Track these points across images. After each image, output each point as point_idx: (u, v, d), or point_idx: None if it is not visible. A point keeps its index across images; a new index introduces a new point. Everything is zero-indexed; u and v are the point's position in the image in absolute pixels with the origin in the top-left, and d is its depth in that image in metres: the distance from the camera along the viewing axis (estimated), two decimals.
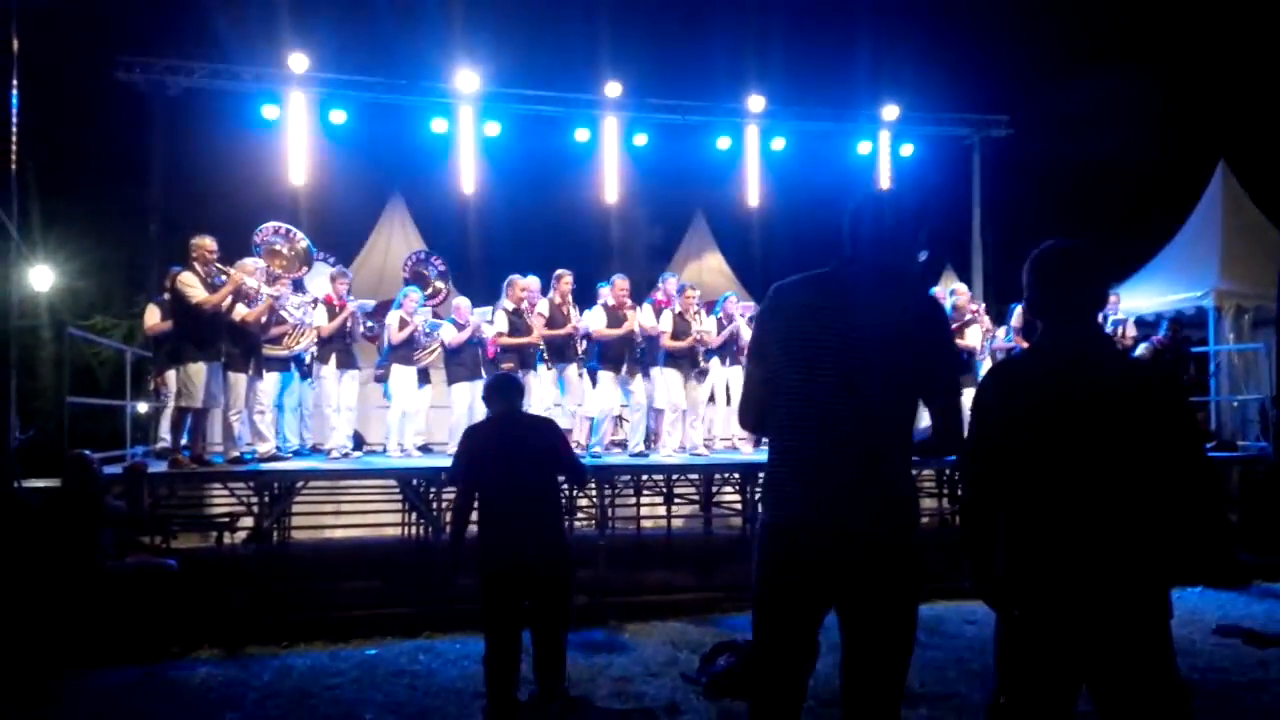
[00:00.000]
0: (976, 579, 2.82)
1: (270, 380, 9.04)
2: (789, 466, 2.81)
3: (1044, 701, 2.66)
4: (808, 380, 2.75)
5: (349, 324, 9.50)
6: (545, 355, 9.59)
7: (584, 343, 9.85)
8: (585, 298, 10.32)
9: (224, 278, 7.89)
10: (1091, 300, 2.82)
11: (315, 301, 9.51)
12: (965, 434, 2.88)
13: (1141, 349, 10.49)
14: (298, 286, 9.64)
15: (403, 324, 9.71)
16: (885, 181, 15.00)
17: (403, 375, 9.75)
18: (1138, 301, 13.10)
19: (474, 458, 4.97)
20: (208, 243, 7.92)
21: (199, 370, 7.68)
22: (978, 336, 10.55)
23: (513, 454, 4.90)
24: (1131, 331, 11.21)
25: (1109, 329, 11.04)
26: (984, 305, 11.86)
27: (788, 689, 2.84)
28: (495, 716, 4.78)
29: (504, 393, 5.13)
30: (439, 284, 11.97)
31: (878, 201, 2.94)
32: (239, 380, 8.30)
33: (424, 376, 10.27)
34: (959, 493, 2.74)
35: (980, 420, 2.82)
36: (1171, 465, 2.64)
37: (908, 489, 2.79)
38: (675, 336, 9.83)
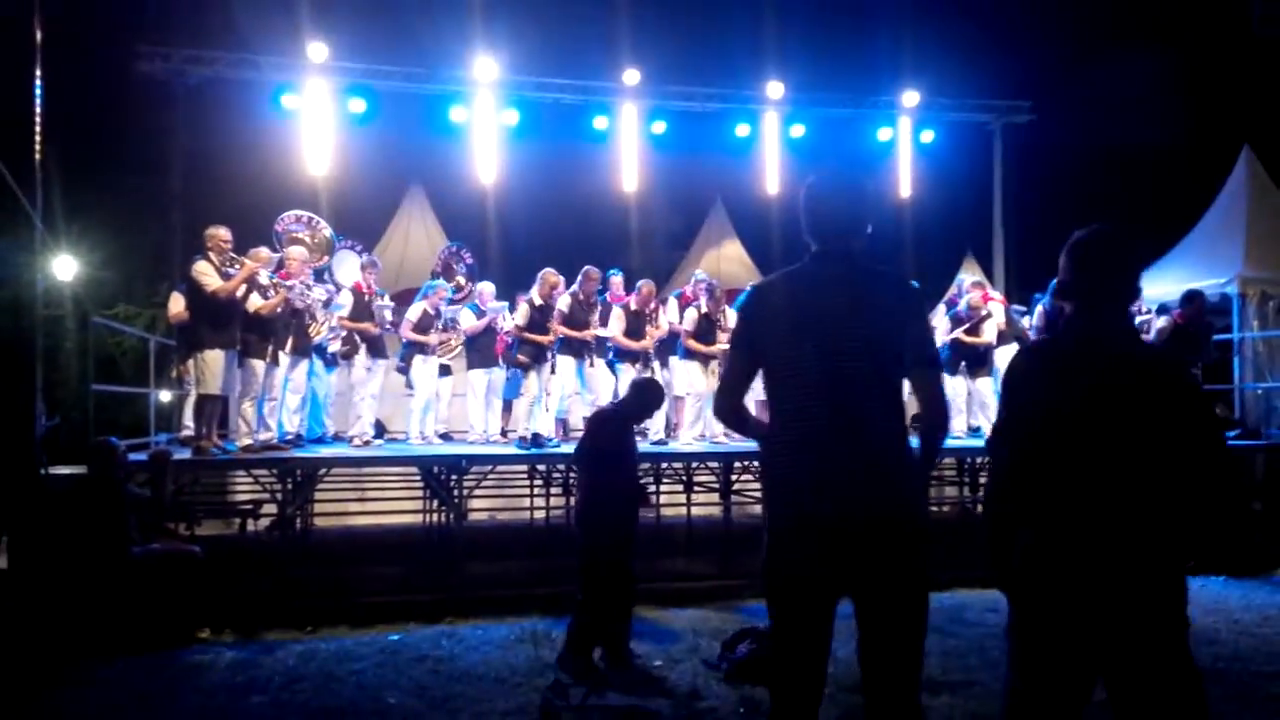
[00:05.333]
0: (996, 565, 2.81)
1: (297, 368, 9.07)
2: (784, 458, 2.89)
3: (1058, 691, 2.65)
4: (793, 374, 2.84)
5: (376, 320, 9.59)
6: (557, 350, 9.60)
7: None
8: (604, 280, 10.36)
9: (237, 267, 7.94)
10: (1127, 287, 2.80)
11: (339, 289, 9.57)
12: (948, 417, 2.97)
13: (1161, 322, 10.34)
14: (319, 275, 9.69)
15: (424, 317, 9.75)
16: (900, 168, 14.93)
17: (423, 366, 9.79)
18: (1161, 288, 12.96)
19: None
20: (222, 233, 7.98)
21: (215, 357, 7.75)
22: (993, 332, 10.49)
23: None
24: (1160, 322, 11.08)
25: (1136, 321, 10.95)
26: (1004, 294, 11.78)
27: (808, 677, 2.87)
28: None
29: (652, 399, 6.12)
30: (461, 279, 12.02)
31: (825, 188, 2.99)
32: (258, 367, 8.33)
33: (445, 367, 10.34)
34: (983, 479, 2.76)
35: (1010, 403, 2.81)
36: (1194, 455, 2.63)
37: (904, 468, 2.82)
38: (698, 337, 9.84)
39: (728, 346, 9.98)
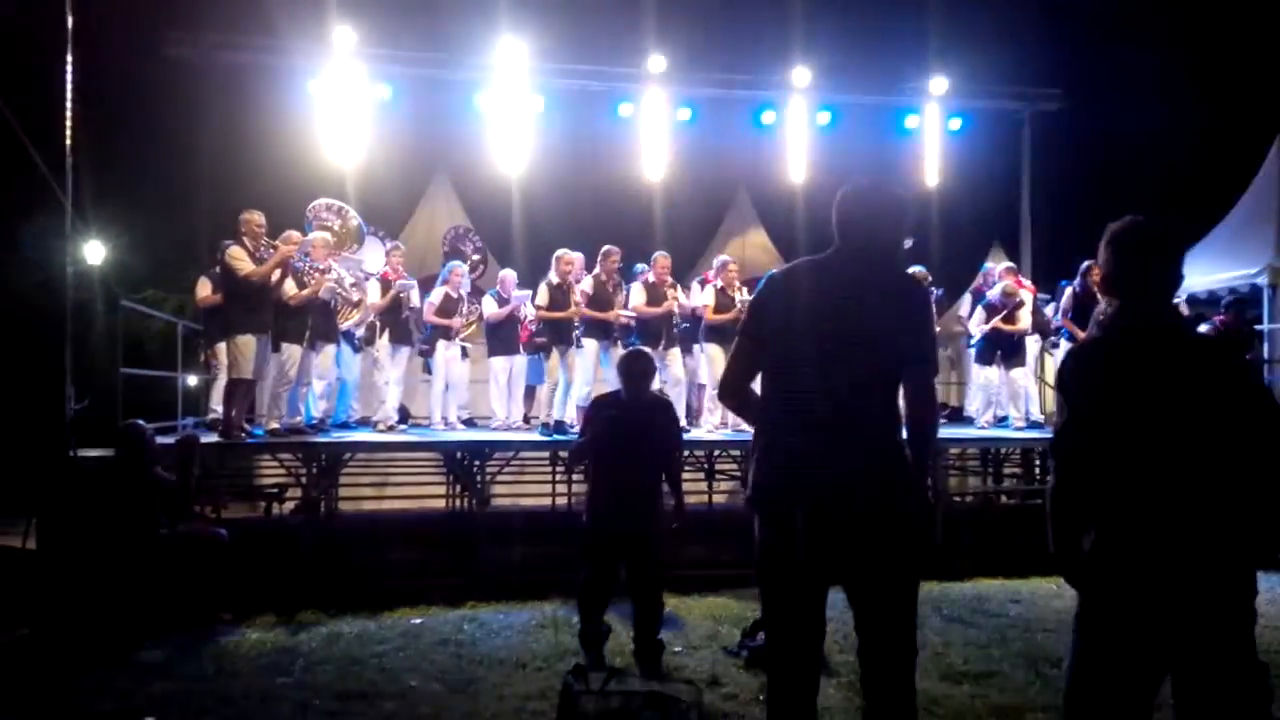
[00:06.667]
0: (1064, 559, 2.79)
1: (323, 353, 9.13)
2: (776, 442, 2.95)
3: (1126, 685, 2.63)
4: (795, 359, 2.92)
5: (401, 296, 9.62)
6: (581, 333, 9.60)
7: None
8: (627, 274, 10.34)
9: (271, 251, 7.99)
10: (1174, 279, 2.78)
11: (368, 276, 9.61)
12: (935, 413, 3.04)
13: (1202, 329, 10.24)
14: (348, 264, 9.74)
15: (446, 300, 9.79)
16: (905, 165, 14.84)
17: (445, 351, 9.83)
18: (1191, 279, 12.63)
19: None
20: (256, 217, 8.02)
21: (248, 342, 7.80)
22: (1028, 319, 10.42)
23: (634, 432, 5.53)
24: (1184, 310, 10.97)
25: None
26: (1031, 283, 11.69)
27: (803, 661, 2.95)
28: (587, 638, 5.62)
29: (633, 374, 5.65)
30: (475, 258, 12.07)
31: (862, 194, 3.05)
32: (294, 352, 8.38)
33: (463, 349, 10.37)
34: (1049, 473, 2.78)
35: (1070, 399, 2.78)
36: (1254, 442, 2.61)
37: (896, 460, 2.89)
38: (718, 311, 9.77)
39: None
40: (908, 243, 3.14)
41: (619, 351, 9.65)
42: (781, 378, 2.97)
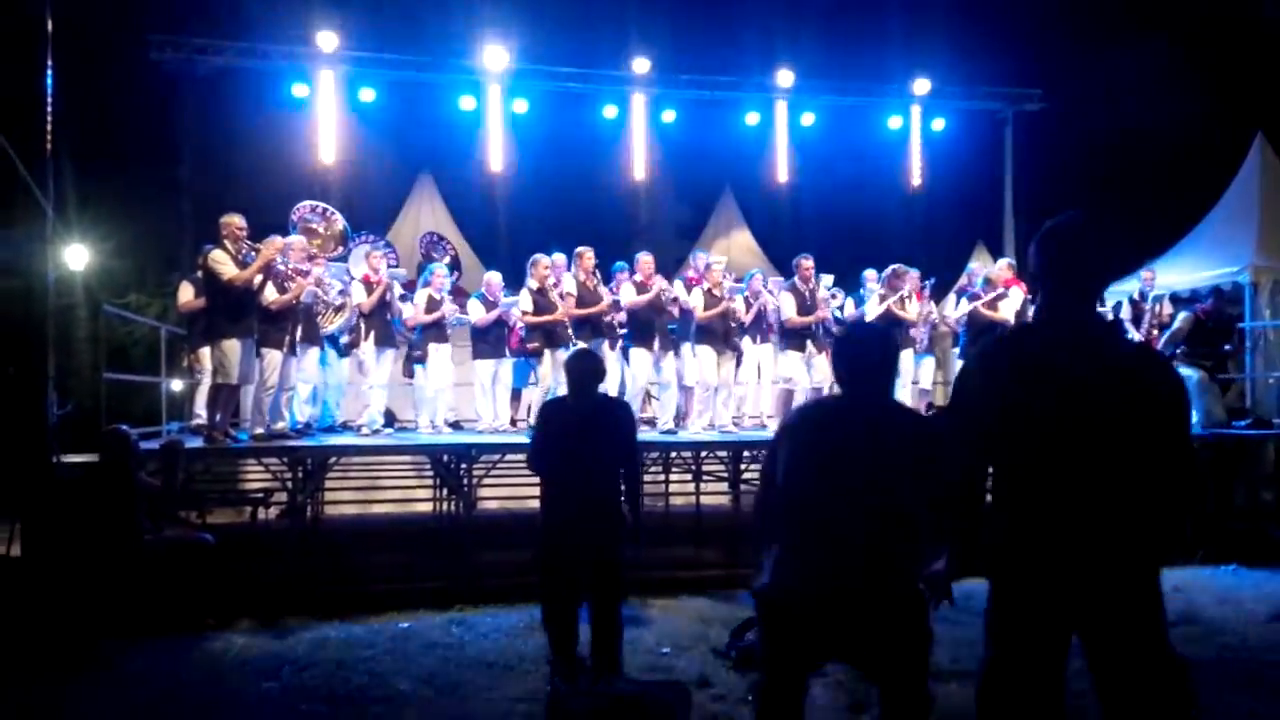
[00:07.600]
0: (968, 547, 2.86)
1: (307, 356, 9.09)
2: (795, 551, 3.13)
3: (1032, 670, 2.67)
4: (812, 488, 3.12)
5: (388, 296, 9.57)
6: (572, 334, 9.58)
7: (619, 315, 9.86)
8: (610, 275, 10.33)
9: (254, 255, 7.95)
10: (1093, 279, 2.78)
11: (351, 280, 9.57)
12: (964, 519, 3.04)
13: (1182, 316, 10.27)
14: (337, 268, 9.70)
15: (431, 302, 9.76)
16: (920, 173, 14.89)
17: (436, 353, 9.80)
18: (1173, 277, 12.92)
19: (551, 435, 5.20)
20: (237, 220, 7.96)
21: (233, 347, 7.75)
22: (1010, 310, 10.40)
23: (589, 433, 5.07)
24: (1168, 309, 11.02)
25: (1148, 305, 10.88)
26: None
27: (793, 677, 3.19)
28: (562, 670, 5.05)
29: (583, 373, 5.21)
30: (446, 260, 12.09)
31: (859, 346, 3.30)
32: (275, 356, 8.34)
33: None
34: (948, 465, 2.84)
35: (967, 393, 2.81)
36: (1156, 448, 2.63)
37: (911, 584, 3.10)
38: (707, 309, 9.76)
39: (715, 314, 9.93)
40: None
41: (606, 350, 9.64)
42: (803, 515, 3.13)
